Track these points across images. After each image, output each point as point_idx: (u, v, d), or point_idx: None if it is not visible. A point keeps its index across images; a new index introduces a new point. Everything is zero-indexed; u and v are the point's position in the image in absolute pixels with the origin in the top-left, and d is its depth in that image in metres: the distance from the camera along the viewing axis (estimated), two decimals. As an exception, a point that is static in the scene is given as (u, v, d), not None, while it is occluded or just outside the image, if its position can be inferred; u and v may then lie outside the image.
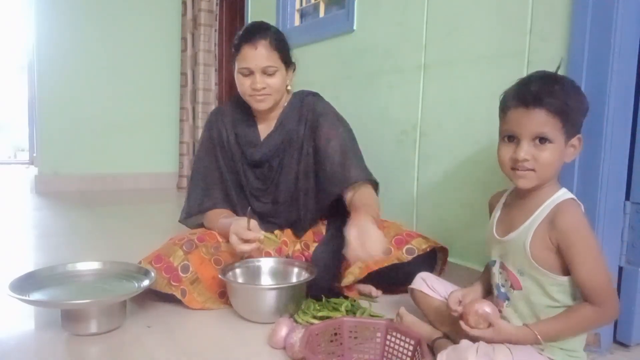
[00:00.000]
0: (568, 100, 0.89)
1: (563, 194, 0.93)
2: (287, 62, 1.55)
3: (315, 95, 1.67)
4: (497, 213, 1.04)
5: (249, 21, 2.99)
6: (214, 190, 1.62)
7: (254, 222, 1.37)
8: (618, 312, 0.91)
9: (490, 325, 0.93)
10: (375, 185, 1.54)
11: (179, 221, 1.67)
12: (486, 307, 0.94)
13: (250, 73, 1.48)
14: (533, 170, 0.91)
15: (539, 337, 0.90)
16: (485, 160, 1.46)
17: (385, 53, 1.87)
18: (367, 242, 1.13)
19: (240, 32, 1.53)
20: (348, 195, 1.49)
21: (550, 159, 0.91)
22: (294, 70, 1.60)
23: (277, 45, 1.50)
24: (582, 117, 0.94)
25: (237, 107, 1.65)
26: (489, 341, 0.92)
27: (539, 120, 0.89)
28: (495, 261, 1.02)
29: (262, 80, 1.48)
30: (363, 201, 1.41)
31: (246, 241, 1.35)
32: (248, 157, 1.60)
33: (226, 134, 1.63)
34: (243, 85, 1.50)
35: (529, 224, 0.93)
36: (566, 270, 0.91)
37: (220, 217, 1.53)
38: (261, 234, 1.39)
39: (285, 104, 1.61)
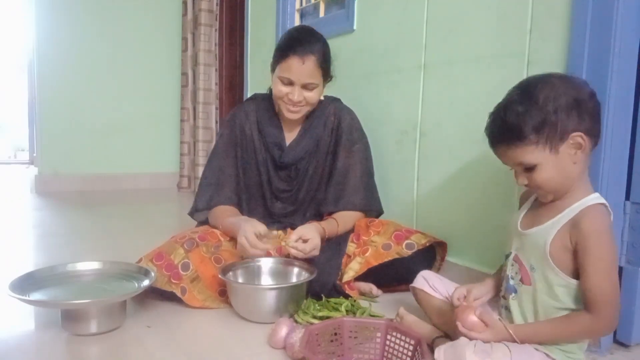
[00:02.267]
0: (525, 121, 0.87)
1: (594, 198, 0.92)
2: (327, 77, 1.56)
3: (339, 101, 1.70)
4: (527, 206, 1.04)
5: (249, 21, 2.99)
6: (225, 187, 1.60)
7: (262, 227, 1.38)
8: (613, 327, 0.90)
9: (487, 325, 0.93)
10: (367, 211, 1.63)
11: (188, 214, 1.66)
12: (473, 317, 0.95)
13: (290, 84, 1.48)
14: (540, 189, 0.94)
15: (516, 340, 0.91)
16: (486, 160, 1.46)
17: (385, 53, 1.87)
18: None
19: (288, 37, 1.53)
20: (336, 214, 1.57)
21: (543, 177, 0.91)
22: (329, 81, 1.60)
23: (322, 62, 1.51)
24: (568, 114, 0.88)
25: (261, 107, 1.64)
26: (487, 341, 0.93)
27: (511, 156, 0.92)
28: (511, 253, 1.02)
29: (301, 93, 1.49)
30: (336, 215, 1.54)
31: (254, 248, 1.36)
32: (276, 159, 1.61)
33: (251, 132, 1.63)
34: (280, 91, 1.50)
35: (554, 222, 0.93)
36: (577, 274, 0.91)
37: (227, 214, 1.53)
38: (269, 245, 1.41)
39: (312, 109, 1.61)
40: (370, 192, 1.63)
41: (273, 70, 1.54)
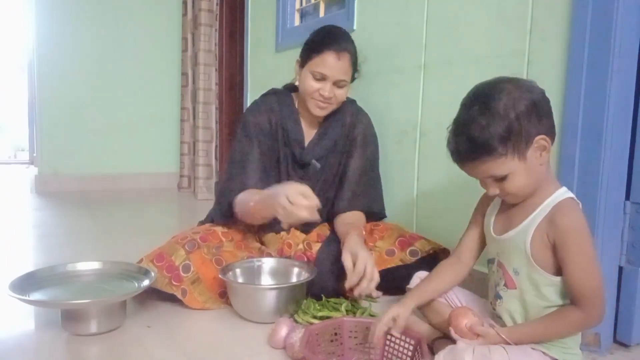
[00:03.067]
0: (491, 134, 0.86)
1: (563, 192, 0.93)
2: (353, 77, 1.58)
3: (355, 103, 1.71)
4: (494, 210, 1.04)
5: (249, 21, 2.99)
6: (253, 175, 1.53)
7: (304, 187, 1.26)
8: (602, 317, 0.90)
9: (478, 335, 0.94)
10: (372, 213, 1.61)
11: (229, 202, 1.51)
12: (462, 326, 0.95)
13: (322, 79, 1.48)
14: (510, 195, 0.93)
15: (509, 342, 0.91)
16: (485, 160, 1.46)
17: (385, 53, 1.87)
18: (363, 282, 1.24)
19: (323, 33, 1.52)
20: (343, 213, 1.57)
21: (516, 185, 0.91)
22: (353, 81, 1.61)
23: (354, 60, 1.52)
24: (529, 119, 0.87)
25: (282, 101, 1.63)
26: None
27: (481, 170, 0.91)
28: (493, 259, 1.02)
29: (332, 90, 1.49)
30: (352, 221, 1.50)
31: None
32: (296, 155, 1.61)
33: (274, 125, 1.60)
34: (311, 87, 1.49)
35: (529, 222, 0.93)
36: (559, 270, 0.91)
37: (255, 192, 1.44)
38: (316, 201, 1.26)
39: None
40: (380, 196, 1.65)
41: (302, 65, 1.53)
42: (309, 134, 1.63)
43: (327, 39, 1.49)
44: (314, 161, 1.59)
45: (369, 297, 1.47)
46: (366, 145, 1.63)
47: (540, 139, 0.88)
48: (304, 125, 1.62)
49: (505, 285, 0.98)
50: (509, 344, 0.91)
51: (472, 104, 0.91)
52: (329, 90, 1.48)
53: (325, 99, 1.49)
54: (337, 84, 1.49)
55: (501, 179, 0.91)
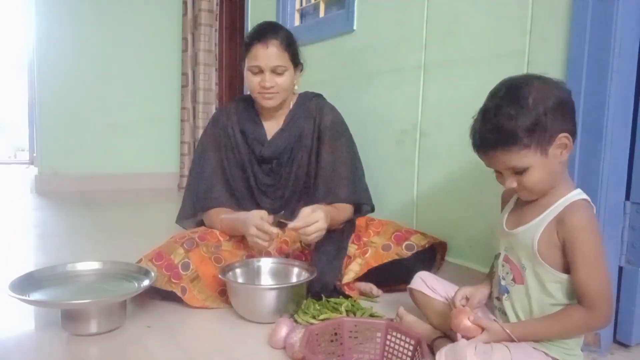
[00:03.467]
0: (519, 125, 0.87)
1: (577, 194, 0.93)
2: (296, 62, 1.58)
3: (321, 97, 1.71)
4: (510, 206, 1.04)
5: (249, 21, 2.99)
6: (217, 188, 1.62)
7: (266, 215, 1.38)
8: (609, 319, 0.90)
9: (483, 329, 0.93)
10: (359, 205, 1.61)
11: (176, 222, 1.67)
12: (466, 322, 0.94)
13: (260, 71, 1.51)
14: (525, 190, 0.93)
15: (512, 338, 0.91)
16: (485, 160, 1.46)
17: (385, 53, 1.87)
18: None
19: (252, 31, 1.56)
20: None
21: (534, 180, 0.91)
22: (302, 70, 1.63)
23: (287, 45, 1.53)
24: (555, 116, 0.88)
25: (242, 107, 1.67)
26: (486, 342, 0.93)
27: (503, 160, 0.91)
28: (500, 254, 1.02)
29: (272, 79, 1.51)
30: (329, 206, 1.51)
31: (264, 234, 1.35)
32: (257, 154, 1.62)
33: (232, 132, 1.65)
34: (252, 82, 1.53)
35: (540, 220, 0.93)
36: (568, 269, 0.91)
37: (221, 214, 1.54)
38: (277, 230, 1.37)
39: (293, 104, 1.64)
40: (357, 185, 1.60)
41: (244, 67, 1.57)
42: (272, 131, 1.64)
43: (254, 34, 1.54)
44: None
45: (369, 296, 1.48)
46: (336, 138, 1.61)
47: (563, 137, 0.89)
48: (267, 124, 1.65)
49: (513, 280, 0.98)
50: (512, 340, 0.92)
51: (501, 95, 0.92)
52: (268, 80, 1.50)
53: (267, 89, 1.51)
54: (275, 70, 1.51)
55: (520, 172, 0.91)
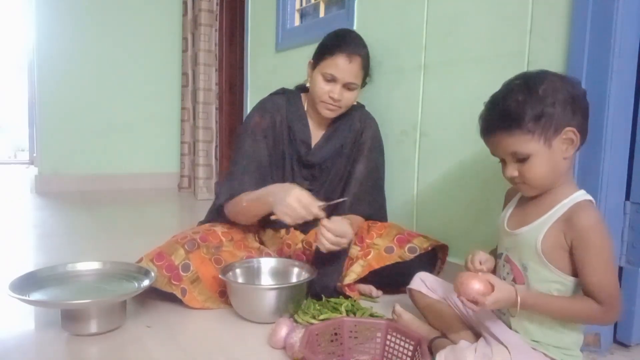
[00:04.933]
0: (525, 109, 0.88)
1: (581, 195, 0.93)
2: (364, 82, 1.58)
3: (363, 108, 1.71)
4: (512, 206, 1.04)
5: (249, 21, 2.99)
6: (254, 175, 1.52)
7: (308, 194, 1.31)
8: (618, 316, 0.90)
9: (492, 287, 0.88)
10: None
11: (222, 202, 1.53)
12: (475, 284, 0.88)
13: (333, 80, 1.49)
14: (526, 182, 0.93)
15: (518, 303, 0.88)
16: (485, 160, 1.46)
17: (385, 53, 1.87)
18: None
19: (336, 36, 1.54)
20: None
21: (535, 171, 0.91)
22: (364, 86, 1.62)
23: (365, 64, 1.53)
24: (564, 109, 0.89)
25: (290, 102, 1.64)
26: (496, 304, 0.89)
27: (506, 144, 0.92)
28: (502, 254, 1.02)
29: (342, 92, 1.50)
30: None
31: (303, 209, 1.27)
32: (302, 156, 1.61)
33: (280, 125, 1.61)
34: (322, 89, 1.50)
35: (543, 220, 0.93)
36: (574, 271, 0.91)
37: (248, 195, 1.45)
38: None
39: None
40: (381, 202, 1.65)
41: (314, 67, 1.54)
42: (316, 135, 1.63)
43: (340, 41, 1.50)
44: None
45: (369, 296, 1.48)
46: (372, 152, 1.63)
47: (569, 131, 0.89)
48: (311, 126, 1.63)
49: (513, 280, 0.98)
50: (517, 305, 0.88)
51: (513, 82, 0.94)
52: (338, 93, 1.49)
53: (335, 101, 1.50)
54: (347, 86, 1.50)
55: (522, 160, 0.91)
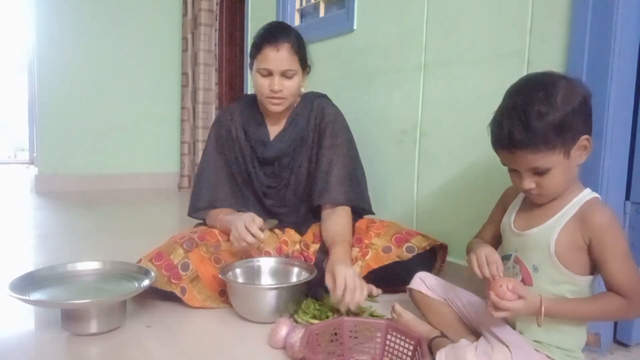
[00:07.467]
0: (549, 125, 0.84)
1: (588, 193, 0.93)
2: (305, 65, 1.56)
3: (324, 97, 1.69)
4: (516, 206, 1.03)
5: (249, 21, 2.99)
6: (222, 188, 1.62)
7: (259, 220, 1.37)
8: None
9: (519, 297, 0.88)
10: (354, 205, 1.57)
11: (189, 214, 1.66)
12: (510, 285, 0.88)
13: (269, 74, 1.49)
14: (542, 193, 0.92)
15: (542, 312, 0.87)
16: (486, 160, 1.46)
17: (385, 53, 1.87)
18: (346, 295, 1.18)
19: (262, 32, 1.54)
20: (324, 213, 1.54)
21: (553, 183, 0.90)
22: (309, 72, 1.61)
23: (298, 48, 1.51)
24: (580, 117, 0.87)
25: (246, 107, 1.66)
26: (518, 313, 0.89)
27: (526, 160, 0.88)
28: (510, 255, 1.01)
29: (281, 82, 1.49)
30: (335, 231, 1.46)
31: (247, 234, 1.32)
32: (259, 155, 1.61)
33: (236, 132, 1.64)
34: (261, 85, 1.51)
35: (555, 221, 0.92)
36: (590, 270, 0.91)
37: (223, 213, 1.54)
38: (264, 235, 1.37)
39: (296, 105, 1.63)
40: (354, 186, 1.57)
41: (252, 68, 1.55)
42: (275, 131, 1.63)
43: (265, 35, 1.51)
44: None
45: (369, 295, 1.48)
46: (335, 136, 1.59)
47: (584, 139, 0.88)
48: (270, 125, 1.64)
49: (522, 281, 0.97)
50: (540, 314, 0.87)
51: (528, 92, 0.88)
52: (277, 83, 1.48)
53: (276, 92, 1.50)
54: (285, 74, 1.49)
55: (541, 173, 0.89)
